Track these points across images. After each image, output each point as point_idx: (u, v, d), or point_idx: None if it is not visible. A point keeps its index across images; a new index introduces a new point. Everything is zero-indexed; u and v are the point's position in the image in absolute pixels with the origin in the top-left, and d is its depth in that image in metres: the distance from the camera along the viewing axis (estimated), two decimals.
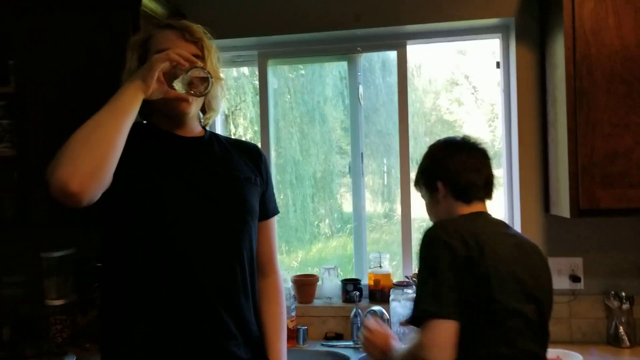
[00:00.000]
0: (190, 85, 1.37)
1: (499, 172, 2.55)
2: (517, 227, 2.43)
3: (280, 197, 2.89)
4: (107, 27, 2.17)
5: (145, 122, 1.55)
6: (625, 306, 2.26)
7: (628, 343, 2.24)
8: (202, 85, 1.39)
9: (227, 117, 3.03)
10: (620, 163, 1.99)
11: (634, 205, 1.96)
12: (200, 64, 1.41)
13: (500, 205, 2.55)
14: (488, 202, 1.63)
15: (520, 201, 2.43)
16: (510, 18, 2.46)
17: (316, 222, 2.94)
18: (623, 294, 2.27)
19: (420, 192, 1.71)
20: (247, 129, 2.99)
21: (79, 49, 2.21)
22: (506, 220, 2.36)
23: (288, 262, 2.95)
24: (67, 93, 2.19)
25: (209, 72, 1.40)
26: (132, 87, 1.34)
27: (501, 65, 2.60)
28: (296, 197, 2.89)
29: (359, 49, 2.68)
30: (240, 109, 3.04)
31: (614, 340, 2.27)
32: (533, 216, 2.42)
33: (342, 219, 2.88)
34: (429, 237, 1.46)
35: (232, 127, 3.05)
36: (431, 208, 1.67)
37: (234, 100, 3.05)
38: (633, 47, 1.98)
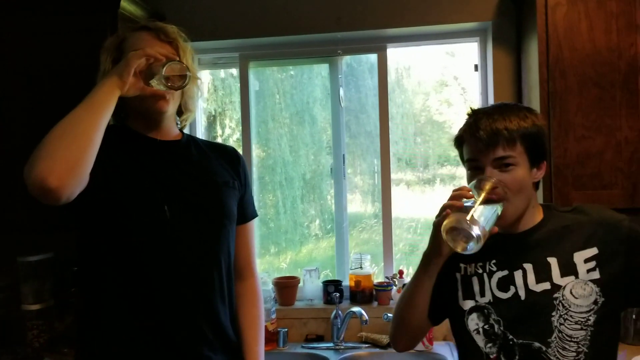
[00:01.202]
0: (167, 82, 1.37)
1: None
2: None
3: (270, 198, 2.90)
4: (85, 29, 2.16)
5: (122, 125, 1.54)
6: None
7: None
8: (180, 81, 1.39)
9: (214, 118, 3.03)
10: (593, 164, 2.03)
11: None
12: (177, 58, 1.42)
13: None
14: None
15: None
16: (488, 22, 2.50)
17: (306, 223, 2.95)
18: None
19: (511, 152, 1.32)
20: (234, 131, 2.99)
21: (57, 52, 2.20)
22: None
23: (277, 263, 2.96)
24: (45, 96, 2.18)
25: (186, 66, 1.40)
26: (108, 83, 1.33)
27: (479, 68, 2.64)
28: (286, 198, 2.90)
29: (339, 51, 2.70)
30: (227, 110, 3.03)
31: None
32: None
33: (332, 219, 2.90)
34: None
35: (218, 128, 3.05)
36: (526, 185, 1.34)
37: (221, 102, 3.05)
38: (604, 51, 2.02)
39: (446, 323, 1.49)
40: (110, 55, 1.48)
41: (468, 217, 1.20)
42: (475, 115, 1.37)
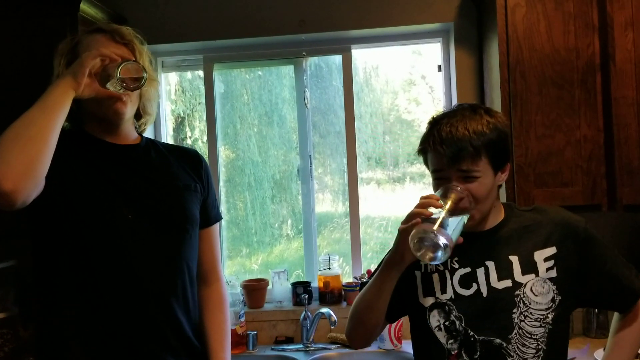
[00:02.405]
0: (123, 82, 1.35)
1: None
2: None
3: (240, 199, 2.89)
4: (44, 33, 2.13)
5: (79, 130, 1.51)
6: None
7: None
8: (136, 82, 1.36)
9: (182, 120, 3.00)
10: (553, 163, 2.07)
11: (566, 203, 2.03)
12: (133, 58, 1.39)
13: None
14: None
15: None
16: (450, 23, 2.53)
17: (277, 224, 2.94)
18: None
19: (475, 167, 1.32)
20: (204, 132, 2.97)
21: (16, 55, 2.16)
22: None
23: (249, 265, 2.94)
24: (2, 100, 2.14)
25: (143, 67, 1.37)
26: (62, 84, 1.30)
27: (442, 68, 2.67)
28: (255, 199, 2.89)
29: (304, 53, 2.70)
30: (196, 112, 3.01)
31: None
32: None
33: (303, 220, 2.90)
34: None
35: (187, 130, 3.02)
36: (492, 191, 1.36)
37: (189, 103, 3.02)
38: (562, 51, 2.06)
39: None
40: (64, 58, 1.44)
41: (435, 228, 1.21)
42: (437, 126, 1.35)
